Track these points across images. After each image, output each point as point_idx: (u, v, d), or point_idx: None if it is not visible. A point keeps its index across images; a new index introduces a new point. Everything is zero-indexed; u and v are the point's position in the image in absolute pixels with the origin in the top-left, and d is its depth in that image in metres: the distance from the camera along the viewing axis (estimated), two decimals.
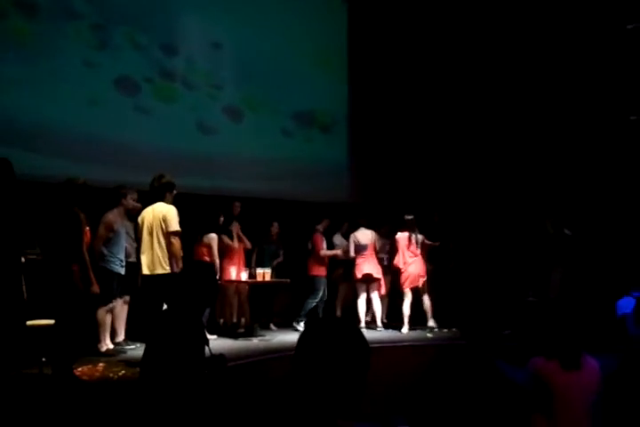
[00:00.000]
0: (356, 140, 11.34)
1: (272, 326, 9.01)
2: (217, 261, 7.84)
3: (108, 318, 6.76)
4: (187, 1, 9.85)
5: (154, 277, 5.97)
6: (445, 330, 8.85)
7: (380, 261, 9.51)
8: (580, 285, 8.28)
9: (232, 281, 8.36)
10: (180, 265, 5.98)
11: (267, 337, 8.11)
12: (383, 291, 9.04)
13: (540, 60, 10.00)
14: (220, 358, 3.34)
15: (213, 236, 7.91)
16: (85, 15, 8.77)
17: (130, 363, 5.85)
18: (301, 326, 8.69)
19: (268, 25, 10.35)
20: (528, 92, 10.10)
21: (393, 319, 9.43)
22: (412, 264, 8.86)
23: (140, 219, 6.17)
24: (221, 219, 8.26)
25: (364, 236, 8.94)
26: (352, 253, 8.94)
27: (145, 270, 6.03)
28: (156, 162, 8.58)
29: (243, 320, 8.72)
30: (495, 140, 10.48)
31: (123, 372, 5.56)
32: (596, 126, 9.36)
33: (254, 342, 7.79)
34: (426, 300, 8.92)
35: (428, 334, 8.61)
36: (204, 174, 9.28)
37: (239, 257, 8.59)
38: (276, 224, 9.14)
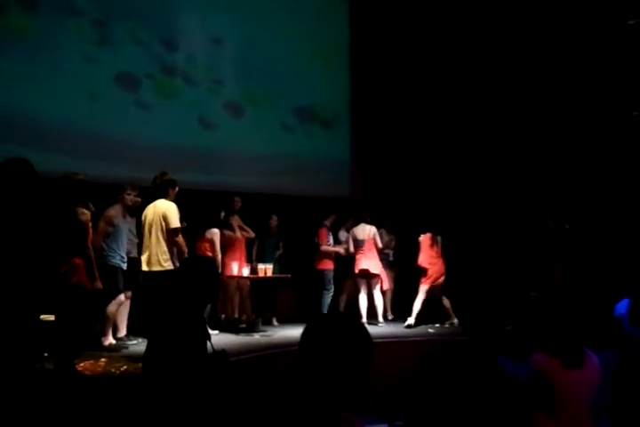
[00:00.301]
0: (358, 135, 11.33)
1: (274, 321, 9.02)
2: (219, 256, 7.84)
3: (120, 311, 6.79)
4: None
5: (152, 274, 6.00)
6: (447, 325, 8.92)
7: (386, 256, 9.51)
8: (581, 280, 8.28)
9: (234, 277, 8.37)
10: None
11: (268, 332, 8.12)
12: (385, 286, 9.04)
13: (541, 56, 9.98)
14: (222, 353, 3.34)
15: (215, 231, 7.91)
16: (86, 11, 8.77)
17: (132, 358, 5.88)
18: None
19: (268, 20, 10.34)
20: (530, 88, 10.08)
21: (400, 314, 9.48)
22: (435, 264, 8.92)
23: (143, 215, 6.21)
24: (222, 214, 8.26)
25: (363, 231, 8.94)
26: (351, 249, 8.96)
27: (144, 267, 6.09)
28: (157, 157, 8.60)
29: (244, 316, 8.74)
30: (497, 136, 10.47)
31: (125, 367, 5.57)
32: (598, 122, 9.34)
33: (256, 337, 7.81)
34: (445, 299, 8.98)
35: (430, 330, 8.65)
36: (205, 170, 9.28)
37: (241, 252, 8.60)
38: (274, 217, 9.15)
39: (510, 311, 7.68)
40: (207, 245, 7.87)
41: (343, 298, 9.53)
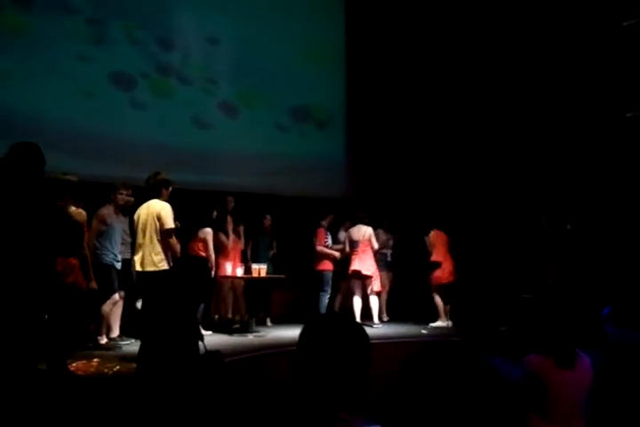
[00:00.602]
0: (352, 135, 11.34)
1: (268, 321, 9.00)
2: (213, 255, 7.81)
3: (113, 311, 6.76)
4: None
5: (145, 274, 5.99)
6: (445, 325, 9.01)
7: (384, 256, 9.51)
8: (574, 281, 8.30)
9: (227, 277, 8.36)
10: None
11: (262, 333, 8.11)
12: (377, 287, 9.01)
13: (536, 57, 9.99)
14: (216, 354, 3.34)
15: (209, 230, 7.88)
16: (81, 9, 8.76)
17: (124, 358, 5.87)
18: None
19: (264, 20, 10.33)
20: (525, 89, 10.10)
21: (398, 316, 9.57)
22: (447, 260, 9.09)
23: (135, 215, 6.18)
24: (214, 213, 8.21)
25: (358, 232, 8.94)
26: (347, 249, 8.96)
27: (137, 267, 6.07)
28: (152, 157, 8.59)
29: (238, 316, 8.73)
30: (492, 136, 10.48)
31: (117, 367, 5.55)
32: (593, 123, 9.36)
33: (249, 337, 7.79)
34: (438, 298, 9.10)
35: (423, 331, 8.66)
36: (199, 170, 9.28)
37: (234, 253, 8.58)
38: (268, 217, 9.14)
39: (504, 313, 7.70)
40: (200, 244, 7.84)
41: (338, 299, 9.52)
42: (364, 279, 8.90)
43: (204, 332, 6.40)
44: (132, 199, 6.99)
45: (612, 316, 4.06)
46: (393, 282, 9.93)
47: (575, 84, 9.56)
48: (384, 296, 9.67)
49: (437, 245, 9.12)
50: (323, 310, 8.91)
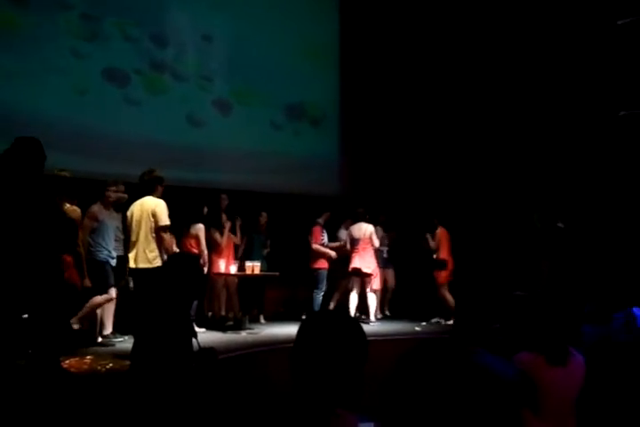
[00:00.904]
0: (347, 133, 11.33)
1: (262, 319, 9.01)
2: (205, 251, 7.80)
3: (106, 308, 6.74)
4: None
5: (138, 271, 5.98)
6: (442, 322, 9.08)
7: (380, 253, 9.53)
8: (567, 279, 8.33)
9: (221, 274, 8.35)
10: None
11: (255, 330, 8.12)
12: (376, 286, 9.01)
13: (530, 55, 10.01)
14: (209, 351, 3.34)
15: (200, 226, 7.86)
16: (75, 5, 8.73)
17: (118, 355, 5.85)
18: None
19: (258, 17, 10.32)
20: (518, 87, 10.11)
21: (401, 313, 9.65)
22: (451, 258, 9.19)
23: (129, 212, 6.16)
24: (205, 210, 8.19)
25: (359, 230, 8.92)
26: (348, 246, 8.95)
27: (131, 264, 6.06)
28: (145, 154, 8.58)
29: (231, 313, 8.72)
30: (485, 134, 10.50)
31: (111, 364, 5.54)
32: (586, 122, 9.38)
33: (243, 335, 7.79)
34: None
35: (417, 328, 8.69)
36: (192, 167, 9.26)
37: (228, 250, 8.57)
38: (264, 214, 9.14)
39: (497, 310, 7.72)
40: (193, 241, 7.81)
41: (336, 296, 9.50)
42: (364, 277, 8.90)
43: (197, 329, 6.40)
44: (126, 196, 6.97)
45: (590, 314, 4.09)
46: (396, 279, 9.94)
47: (569, 83, 9.58)
48: (389, 294, 9.70)
49: (443, 243, 9.14)
50: (317, 307, 8.92)
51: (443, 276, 9.10)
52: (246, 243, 9.10)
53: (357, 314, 9.06)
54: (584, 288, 7.41)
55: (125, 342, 6.56)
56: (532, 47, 9.96)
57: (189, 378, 3.15)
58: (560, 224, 8.82)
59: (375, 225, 9.30)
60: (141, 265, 5.92)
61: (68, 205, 5.79)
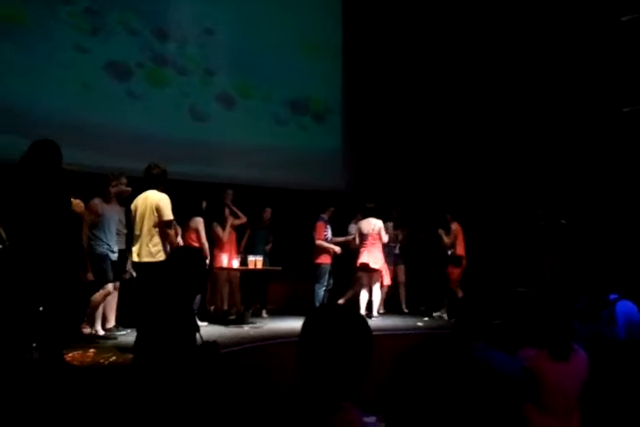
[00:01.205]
0: (350, 127, 11.32)
1: (264, 313, 9.02)
2: (206, 244, 7.81)
3: (108, 302, 6.75)
4: None
5: (142, 265, 5.98)
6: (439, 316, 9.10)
7: (391, 249, 9.51)
8: (570, 275, 8.32)
9: (223, 268, 8.36)
10: None
11: (257, 324, 8.13)
12: (386, 281, 8.99)
13: (534, 52, 9.99)
14: (212, 344, 3.34)
15: (199, 219, 7.87)
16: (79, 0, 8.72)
17: (121, 349, 5.88)
18: None
19: (262, 11, 10.31)
20: (522, 83, 10.10)
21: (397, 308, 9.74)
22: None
23: (132, 206, 6.16)
24: (204, 204, 8.19)
25: (368, 225, 8.89)
26: (357, 242, 8.94)
27: (134, 258, 6.06)
28: (148, 148, 8.59)
29: (234, 308, 8.73)
30: (488, 130, 10.49)
31: (113, 358, 5.57)
32: (590, 118, 9.37)
33: (245, 329, 7.80)
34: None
35: (419, 323, 8.69)
36: (195, 161, 9.26)
37: (230, 244, 8.58)
38: (268, 210, 9.13)
39: (499, 306, 7.72)
40: (193, 235, 7.83)
41: (350, 292, 9.46)
42: (372, 272, 8.89)
43: (200, 323, 6.41)
44: (129, 189, 6.98)
45: (582, 311, 4.10)
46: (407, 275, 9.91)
47: (573, 79, 9.56)
48: (403, 290, 9.70)
49: (459, 239, 9.11)
50: (318, 302, 8.92)
51: (456, 273, 9.07)
52: (248, 238, 9.10)
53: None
54: (586, 284, 7.40)
55: (128, 336, 6.58)
56: (536, 43, 9.94)
57: (192, 371, 3.16)
58: (563, 221, 8.81)
59: (387, 221, 9.29)
60: (145, 259, 5.92)
61: (72, 200, 5.80)
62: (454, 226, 9.16)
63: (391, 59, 11.22)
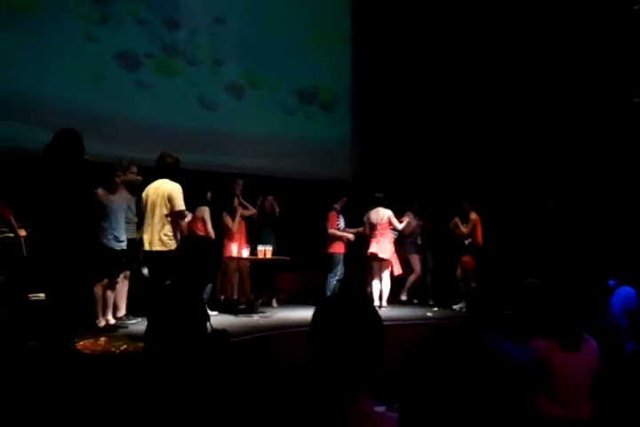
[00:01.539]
0: (359, 117, 11.30)
1: (274, 302, 9.03)
2: (212, 233, 7.81)
3: (106, 294, 6.75)
4: None
5: (153, 254, 6.00)
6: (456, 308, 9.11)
7: (414, 240, 9.50)
8: (580, 265, 8.30)
9: (233, 258, 8.37)
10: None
11: (267, 314, 8.14)
12: (396, 271, 8.96)
13: (544, 41, 9.92)
14: (222, 333, 3.36)
15: (205, 208, 7.88)
16: None
17: (131, 337, 5.91)
18: None
19: (271, 1, 10.27)
20: (532, 73, 10.04)
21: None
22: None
23: (144, 194, 6.16)
24: (209, 195, 8.18)
25: (376, 215, 8.84)
26: (367, 232, 8.93)
27: (146, 246, 6.07)
28: (156, 137, 8.61)
29: (243, 297, 8.75)
30: (498, 120, 10.44)
31: (124, 346, 5.60)
32: (600, 109, 9.31)
33: (255, 318, 7.81)
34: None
35: (428, 313, 8.68)
36: (204, 150, 9.27)
37: (240, 234, 8.58)
38: (270, 197, 9.11)
39: (510, 297, 7.71)
40: (199, 224, 7.84)
41: (369, 281, 9.34)
42: (381, 262, 8.88)
43: (210, 312, 6.43)
44: (140, 178, 6.98)
45: (587, 304, 4.09)
46: (422, 265, 9.79)
47: (584, 69, 9.49)
48: (413, 278, 9.62)
49: (478, 228, 9.03)
50: (329, 291, 8.91)
51: (472, 263, 9.00)
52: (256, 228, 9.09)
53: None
54: (592, 276, 7.39)
55: (139, 324, 6.61)
56: (548, 33, 9.86)
57: (202, 360, 3.17)
58: (552, 207, 8.79)
59: (407, 211, 9.34)
60: (156, 248, 5.93)
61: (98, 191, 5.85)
62: (473, 215, 9.02)
63: (400, 46, 11.16)
